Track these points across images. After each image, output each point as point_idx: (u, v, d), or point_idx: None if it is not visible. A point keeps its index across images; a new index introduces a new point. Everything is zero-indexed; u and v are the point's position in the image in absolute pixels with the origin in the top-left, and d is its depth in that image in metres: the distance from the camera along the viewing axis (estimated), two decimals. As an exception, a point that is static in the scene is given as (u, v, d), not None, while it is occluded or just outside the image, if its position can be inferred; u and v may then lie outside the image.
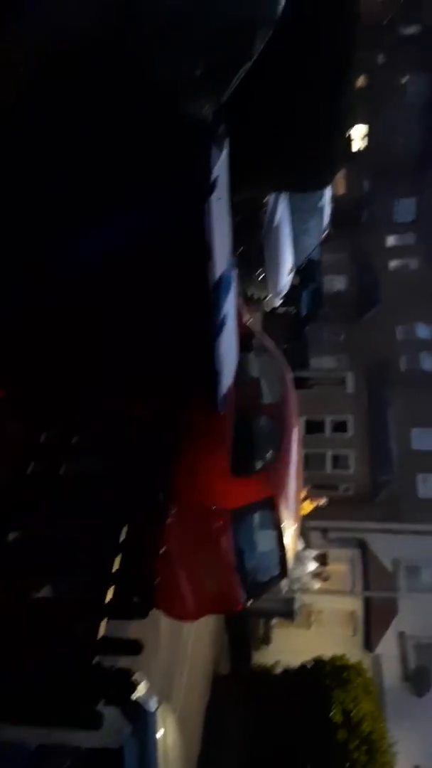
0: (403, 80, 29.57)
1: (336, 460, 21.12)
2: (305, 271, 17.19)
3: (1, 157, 3.81)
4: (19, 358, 5.35)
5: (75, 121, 3.64)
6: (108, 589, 5.85)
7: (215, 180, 4.27)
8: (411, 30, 29.82)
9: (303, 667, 13.22)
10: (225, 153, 4.49)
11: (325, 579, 16.27)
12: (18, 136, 3.75)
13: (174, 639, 11.12)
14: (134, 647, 6.10)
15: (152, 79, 3.36)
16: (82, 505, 6.10)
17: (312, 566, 15.70)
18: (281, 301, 14.19)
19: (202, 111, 3.89)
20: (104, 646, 5.85)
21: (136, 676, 5.84)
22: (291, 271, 13.37)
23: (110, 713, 5.56)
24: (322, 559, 15.20)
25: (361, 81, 26.01)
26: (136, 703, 5.82)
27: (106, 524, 6.09)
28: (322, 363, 24.71)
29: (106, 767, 5.50)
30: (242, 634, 15.61)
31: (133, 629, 7.20)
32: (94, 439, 6.56)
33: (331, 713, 11.64)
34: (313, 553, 15.29)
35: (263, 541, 7.68)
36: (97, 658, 5.75)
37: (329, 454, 21.11)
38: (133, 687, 5.71)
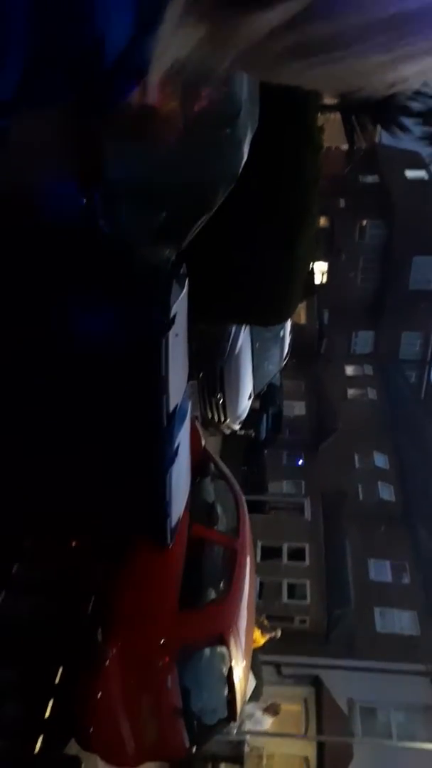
0: (362, 223, 31.65)
1: (292, 589, 20.56)
2: (265, 396, 17.47)
3: None
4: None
5: (41, 270, 3.78)
6: (37, 739, 5.38)
7: (173, 317, 4.42)
8: (369, 179, 32.34)
9: None
10: (184, 292, 4.67)
11: (276, 713, 15.38)
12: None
13: (112, 787, 10.25)
14: None
15: (116, 226, 3.52)
16: (14, 646, 5.73)
17: (262, 704, 14.88)
18: (240, 425, 14.28)
19: (162, 255, 4.07)
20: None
21: None
22: (251, 396, 13.60)
23: None
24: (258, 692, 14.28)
25: (323, 222, 27.75)
26: None
27: (38, 666, 5.71)
28: (280, 487, 24.62)
29: None
30: (187, 780, 14.48)
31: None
32: (33, 572, 6.28)
33: None
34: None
35: (211, 680, 7.30)
36: None
37: (285, 582, 20.58)
38: None
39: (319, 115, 8.38)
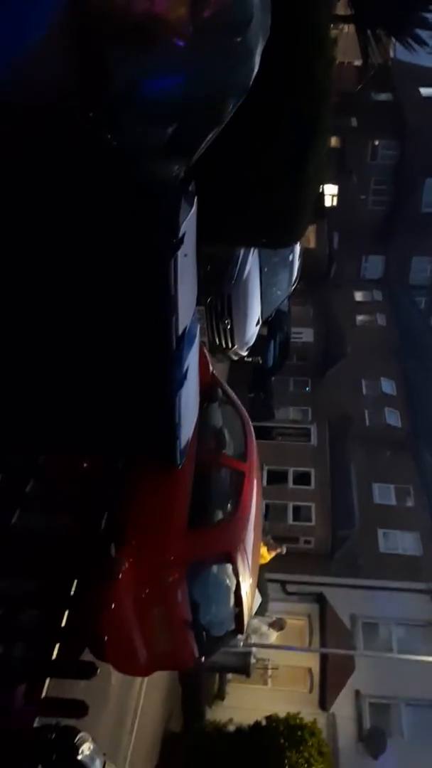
0: (374, 143, 30.64)
1: (297, 511, 21.03)
2: (273, 322, 17.35)
3: None
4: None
5: (47, 179, 3.68)
6: (54, 646, 5.65)
7: (182, 236, 4.34)
8: (382, 97, 31.10)
9: (256, 725, 12.89)
10: (193, 210, 4.57)
11: (281, 628, 15.97)
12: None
13: (125, 693, 10.80)
14: (78, 709, 5.86)
15: (123, 140, 3.42)
16: (31, 560, 5.93)
17: (269, 619, 15.44)
18: (248, 351, 14.22)
19: (171, 170, 3.96)
20: (46, 708, 5.62)
21: (80, 736, 5.63)
22: (258, 322, 13.50)
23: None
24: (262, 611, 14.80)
25: (333, 142, 26.85)
26: (81, 763, 5.60)
27: (55, 579, 5.92)
28: (287, 414, 24.80)
29: None
30: (196, 688, 15.20)
31: (82, 683, 6.97)
32: (48, 490, 6.43)
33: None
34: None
35: (219, 595, 7.56)
36: (38, 720, 5.52)
37: (291, 505, 21.02)
38: (77, 748, 5.50)
39: (332, 26, 8.00)
